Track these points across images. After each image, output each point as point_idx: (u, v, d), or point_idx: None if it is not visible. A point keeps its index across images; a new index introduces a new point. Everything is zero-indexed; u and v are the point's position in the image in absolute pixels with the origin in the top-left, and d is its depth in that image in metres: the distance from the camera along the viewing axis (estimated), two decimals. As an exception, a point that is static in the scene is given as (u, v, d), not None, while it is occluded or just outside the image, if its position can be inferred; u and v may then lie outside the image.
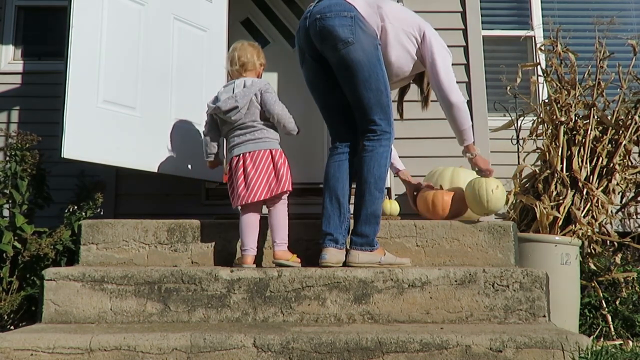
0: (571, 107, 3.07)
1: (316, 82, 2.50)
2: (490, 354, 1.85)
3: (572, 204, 2.89)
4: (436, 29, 2.50)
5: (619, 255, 3.11)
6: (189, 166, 3.06)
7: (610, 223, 3.08)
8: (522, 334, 1.89)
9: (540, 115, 3.10)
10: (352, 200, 2.39)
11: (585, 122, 3.03)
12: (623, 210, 3.24)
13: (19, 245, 2.59)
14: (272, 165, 2.37)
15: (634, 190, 3.18)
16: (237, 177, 2.38)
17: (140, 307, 2.16)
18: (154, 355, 1.85)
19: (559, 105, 3.06)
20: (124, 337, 1.88)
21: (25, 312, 2.61)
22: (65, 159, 2.56)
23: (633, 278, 3.04)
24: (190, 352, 1.86)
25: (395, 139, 2.43)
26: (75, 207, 2.83)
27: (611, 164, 3.00)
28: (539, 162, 3.12)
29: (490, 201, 2.45)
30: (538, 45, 3.60)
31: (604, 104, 3.15)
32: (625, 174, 3.05)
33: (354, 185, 2.43)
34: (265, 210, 2.44)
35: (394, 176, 3.27)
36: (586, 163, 2.97)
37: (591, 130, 2.99)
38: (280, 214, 2.38)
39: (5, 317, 2.55)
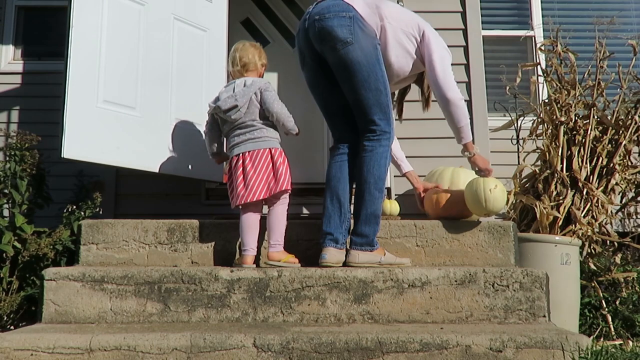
0: (571, 107, 3.07)
1: (316, 83, 2.50)
2: (490, 354, 1.85)
3: (572, 204, 2.89)
4: (436, 29, 2.50)
5: (619, 255, 3.11)
6: (189, 166, 3.06)
7: (610, 223, 3.07)
8: (522, 334, 1.89)
9: (540, 115, 3.10)
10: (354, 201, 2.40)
11: (585, 122, 3.03)
12: (623, 210, 3.23)
13: (18, 245, 2.59)
14: (271, 164, 2.37)
15: (634, 190, 3.18)
16: (236, 177, 2.38)
17: (140, 307, 2.16)
18: (154, 355, 1.85)
19: (559, 105, 3.06)
20: (124, 337, 1.88)
21: (25, 312, 2.61)
22: (65, 159, 2.56)
23: (633, 278, 3.04)
24: (190, 352, 1.86)
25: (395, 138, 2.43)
26: (74, 207, 2.82)
27: (611, 164, 3.00)
28: (539, 162, 3.12)
29: (489, 201, 2.42)
30: (538, 45, 3.60)
31: (604, 104, 3.15)
32: (625, 174, 3.05)
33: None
34: (266, 209, 2.44)
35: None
36: (586, 163, 2.97)
37: (591, 130, 2.99)
38: (278, 215, 2.38)
39: (5, 317, 2.55)
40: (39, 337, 1.88)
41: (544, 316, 2.16)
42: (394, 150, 2.75)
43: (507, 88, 3.31)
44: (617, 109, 3.11)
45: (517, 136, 3.36)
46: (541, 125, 3.13)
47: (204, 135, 3.12)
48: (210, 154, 2.60)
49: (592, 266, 2.97)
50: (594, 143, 3.03)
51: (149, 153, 2.91)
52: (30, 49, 3.93)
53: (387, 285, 2.17)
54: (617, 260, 3.08)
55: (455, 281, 2.18)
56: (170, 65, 3.06)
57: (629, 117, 3.06)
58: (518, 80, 3.25)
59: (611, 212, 3.01)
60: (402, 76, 2.52)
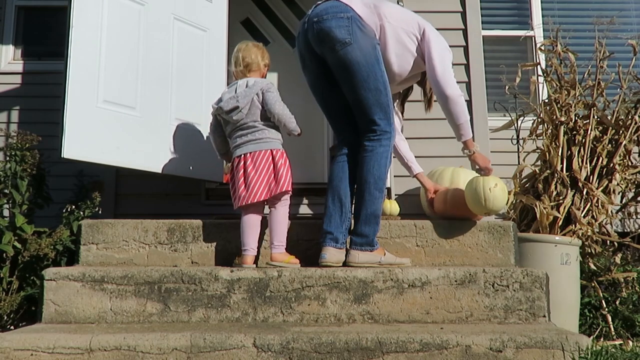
0: (571, 107, 3.07)
1: (318, 85, 2.51)
2: (490, 354, 1.85)
3: (572, 204, 2.89)
4: (436, 29, 2.50)
5: (619, 255, 3.11)
6: (189, 166, 3.06)
7: (610, 223, 3.08)
8: (522, 334, 1.89)
9: (540, 115, 3.10)
10: (355, 201, 2.40)
11: (585, 122, 3.03)
12: (623, 210, 3.24)
13: (19, 245, 2.59)
14: (272, 165, 2.37)
15: (634, 190, 3.18)
16: (237, 178, 2.39)
17: (140, 307, 2.16)
18: (154, 355, 1.85)
19: (559, 105, 3.06)
20: (124, 337, 1.88)
21: (25, 312, 2.61)
22: (65, 159, 2.56)
23: (633, 278, 3.04)
24: (190, 352, 1.86)
25: (395, 138, 2.42)
26: (74, 207, 2.82)
27: (611, 164, 3.00)
28: (539, 162, 3.12)
29: (489, 200, 2.39)
30: (538, 45, 3.60)
31: (604, 104, 3.15)
32: (625, 174, 3.05)
33: None
34: (267, 210, 2.44)
35: (398, 176, 3.29)
36: (586, 163, 2.97)
37: (591, 130, 2.99)
38: (280, 216, 2.38)
39: (5, 317, 2.55)
40: (39, 337, 1.88)
41: (544, 316, 2.16)
42: (403, 152, 2.74)
43: (507, 88, 3.31)
44: (617, 109, 3.11)
45: (517, 136, 3.36)
46: (541, 125, 3.13)
47: (204, 135, 3.14)
48: (218, 155, 2.62)
49: (592, 266, 2.97)
50: (594, 143, 3.03)
51: (148, 153, 2.91)
52: (30, 49, 3.93)
53: (387, 285, 2.17)
54: (617, 260, 3.08)
55: (455, 281, 2.18)
56: (170, 65, 3.06)
57: (629, 117, 3.06)
58: (518, 80, 3.25)
59: (611, 212, 3.01)
60: (404, 75, 2.52)
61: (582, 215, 2.86)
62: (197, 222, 2.51)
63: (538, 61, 3.56)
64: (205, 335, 1.88)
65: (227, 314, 2.16)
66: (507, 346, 1.85)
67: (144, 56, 2.94)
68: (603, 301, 2.93)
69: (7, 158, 2.69)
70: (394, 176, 3.28)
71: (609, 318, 2.87)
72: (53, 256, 2.64)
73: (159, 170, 2.95)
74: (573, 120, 3.04)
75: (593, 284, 2.96)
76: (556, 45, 3.19)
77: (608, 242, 3.06)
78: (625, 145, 3.02)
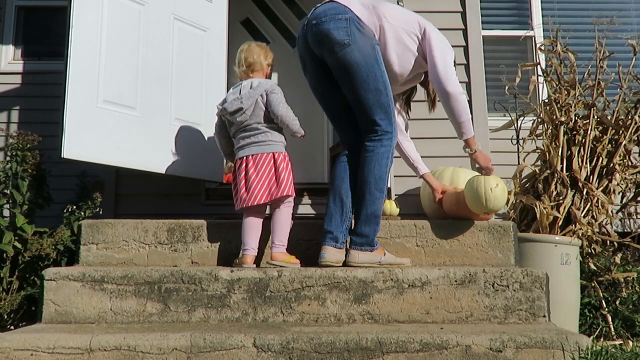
0: (571, 107, 3.06)
1: (319, 86, 2.51)
2: (490, 354, 1.85)
3: (572, 204, 2.89)
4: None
5: (619, 255, 3.11)
6: (189, 166, 3.06)
7: (610, 223, 3.07)
8: (522, 334, 1.89)
9: (540, 115, 3.10)
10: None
11: (585, 122, 3.03)
12: (623, 210, 3.24)
13: (19, 245, 2.59)
14: (273, 169, 2.37)
15: (634, 190, 3.17)
16: (239, 180, 2.39)
17: (140, 307, 2.16)
18: (154, 355, 1.85)
19: (558, 105, 3.06)
20: (124, 337, 1.88)
21: (25, 312, 2.61)
22: (65, 159, 2.56)
23: (633, 278, 3.04)
24: (190, 352, 1.86)
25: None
26: (75, 207, 2.83)
27: (611, 164, 3.00)
28: (539, 162, 3.12)
29: (489, 200, 2.40)
30: (538, 45, 3.60)
31: (604, 104, 3.14)
32: (625, 174, 3.05)
33: None
34: (269, 210, 2.44)
35: (398, 176, 3.29)
36: (586, 163, 2.97)
37: (591, 130, 2.99)
38: (283, 216, 2.38)
39: (5, 317, 2.55)
40: (39, 337, 1.88)
41: (544, 316, 2.16)
42: (409, 153, 2.74)
43: (507, 88, 3.31)
44: (617, 109, 3.11)
45: (517, 136, 3.36)
46: (541, 125, 3.13)
47: (204, 135, 3.14)
48: (223, 155, 2.62)
49: (592, 266, 2.97)
50: (594, 143, 3.02)
51: (148, 153, 2.91)
52: (30, 49, 3.93)
53: (387, 285, 2.17)
54: (617, 260, 3.08)
55: (455, 281, 2.18)
56: (170, 65, 3.07)
57: (629, 117, 3.06)
58: (518, 80, 3.25)
59: (611, 212, 3.00)
60: (405, 75, 2.51)
61: (582, 215, 2.86)
62: (197, 222, 2.51)
63: (538, 61, 3.56)
64: (205, 335, 1.88)
65: (227, 314, 2.16)
66: (507, 346, 1.85)
67: (144, 56, 2.94)
68: (603, 301, 2.93)
69: (8, 158, 2.69)
70: (394, 176, 3.28)
71: (609, 318, 2.87)
72: (54, 256, 2.64)
73: (159, 170, 2.95)
74: (573, 120, 3.04)
75: (593, 284, 2.96)
76: (556, 45, 3.19)
77: (608, 242, 3.06)
78: (625, 145, 3.02)
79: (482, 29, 3.62)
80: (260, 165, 2.36)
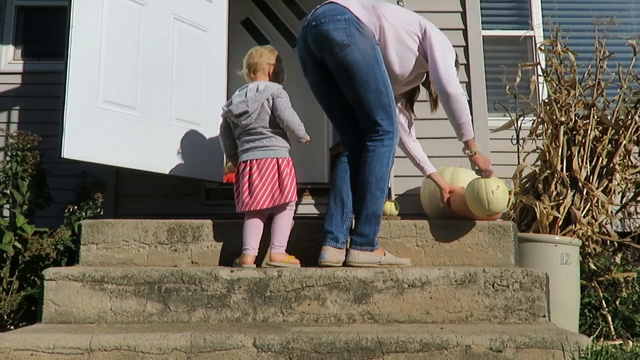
0: (571, 107, 3.06)
1: (319, 88, 2.51)
2: (490, 354, 1.85)
3: (572, 204, 2.89)
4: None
5: (619, 255, 3.11)
6: (189, 166, 3.06)
7: (610, 223, 3.07)
8: (522, 334, 1.89)
9: (540, 115, 3.10)
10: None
11: (585, 122, 3.03)
12: (623, 210, 3.24)
13: (19, 245, 2.59)
14: (277, 175, 2.37)
15: (634, 190, 3.17)
16: (242, 183, 2.39)
17: (140, 307, 2.16)
18: (154, 355, 1.85)
19: (559, 105, 3.06)
20: (124, 337, 1.88)
21: (25, 312, 2.61)
22: (65, 159, 2.56)
23: (633, 278, 3.04)
24: (190, 352, 1.86)
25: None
26: (75, 207, 2.83)
27: (611, 164, 3.00)
28: (539, 162, 3.12)
29: (491, 203, 2.40)
30: (538, 45, 3.60)
31: (604, 104, 3.14)
32: (625, 174, 3.05)
33: None
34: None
35: (398, 176, 3.29)
36: (586, 163, 2.97)
37: (591, 130, 2.99)
38: (284, 219, 2.39)
39: (5, 317, 2.55)
40: (39, 337, 1.88)
41: (544, 316, 2.16)
42: (415, 153, 2.73)
43: (507, 88, 3.31)
44: (617, 109, 3.11)
45: (517, 136, 3.36)
46: (541, 125, 3.13)
47: (204, 135, 3.14)
48: (226, 157, 2.61)
49: (592, 266, 2.97)
50: (594, 143, 3.02)
51: (149, 153, 2.91)
52: (30, 49, 3.93)
53: (387, 285, 2.17)
54: (617, 260, 3.08)
55: (455, 281, 2.18)
56: (170, 65, 3.07)
57: (629, 117, 3.06)
58: (518, 80, 3.25)
59: (611, 212, 3.00)
60: (406, 75, 2.50)
61: (582, 215, 2.86)
62: (197, 222, 2.51)
63: (538, 61, 3.56)
64: (205, 335, 1.88)
65: (227, 314, 2.16)
66: (507, 346, 1.85)
67: (144, 56, 2.94)
68: (603, 301, 2.93)
69: (8, 158, 2.69)
70: (394, 176, 3.28)
71: (609, 318, 2.87)
72: (54, 256, 2.64)
73: (159, 170, 2.95)
74: (573, 120, 3.04)
75: (593, 284, 2.96)
76: (556, 45, 3.19)
77: (608, 242, 3.06)
78: (625, 145, 3.01)
79: (482, 29, 3.62)
80: (264, 170, 2.36)
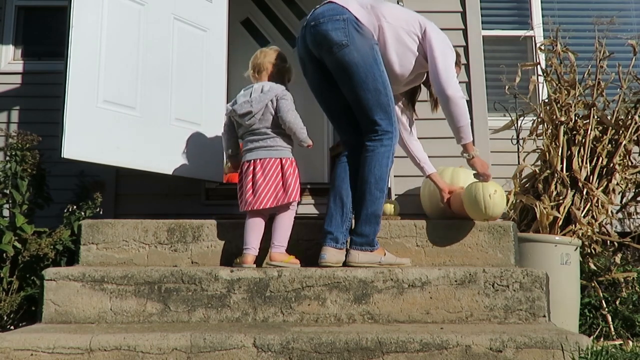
0: (571, 107, 3.06)
1: (319, 88, 2.51)
2: (490, 354, 1.85)
3: (572, 204, 2.89)
4: (437, 29, 2.50)
5: (619, 255, 3.11)
6: (189, 166, 3.06)
7: (610, 223, 3.07)
8: (522, 334, 1.89)
9: (540, 115, 3.10)
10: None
11: (585, 122, 3.03)
12: (623, 210, 3.23)
13: (19, 245, 2.59)
14: (280, 174, 2.38)
15: (634, 190, 3.17)
16: (246, 183, 2.39)
17: (140, 307, 2.16)
18: (154, 355, 1.85)
19: (558, 105, 3.06)
20: (124, 337, 1.88)
21: (25, 312, 2.61)
22: (65, 159, 2.56)
23: (633, 278, 3.04)
24: (190, 352, 1.86)
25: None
26: (75, 207, 2.82)
27: (611, 164, 3.00)
28: (539, 162, 3.12)
29: (489, 207, 2.39)
30: (538, 45, 3.60)
31: (604, 104, 3.14)
32: (625, 174, 3.05)
33: None
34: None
35: (398, 176, 3.28)
36: (586, 163, 2.97)
37: (591, 130, 2.99)
38: (285, 219, 2.39)
39: (5, 317, 2.55)
40: (39, 337, 1.88)
41: (544, 316, 2.16)
42: (415, 152, 2.73)
43: (507, 88, 3.30)
44: (617, 108, 3.11)
45: (517, 136, 3.36)
46: (541, 125, 3.12)
47: (204, 135, 3.14)
48: (226, 157, 2.62)
49: (592, 266, 2.97)
50: (594, 143, 3.02)
51: (149, 153, 2.91)
52: (30, 49, 3.93)
53: (387, 285, 2.17)
54: (617, 260, 3.08)
55: (455, 281, 2.18)
56: (170, 65, 3.07)
57: (629, 117, 3.06)
58: (518, 80, 3.25)
59: (611, 212, 3.00)
60: (407, 74, 2.50)
61: (582, 215, 2.86)
62: (197, 222, 2.51)
63: (538, 61, 3.56)
64: (205, 335, 1.88)
65: (227, 314, 2.16)
66: (507, 346, 1.85)
67: (144, 56, 2.94)
68: (603, 301, 2.93)
69: (8, 158, 2.69)
70: (394, 176, 3.28)
71: (609, 318, 2.86)
72: (53, 256, 2.64)
73: (159, 170, 2.95)
74: (573, 120, 3.04)
75: (593, 284, 2.96)
76: (556, 45, 3.19)
77: (608, 242, 3.06)
78: (625, 145, 3.01)
79: (482, 29, 3.62)
80: (268, 170, 2.37)
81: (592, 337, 2.47)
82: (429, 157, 2.77)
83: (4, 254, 2.57)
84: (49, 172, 2.86)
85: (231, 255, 2.45)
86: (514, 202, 2.96)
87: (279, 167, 2.38)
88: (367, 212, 2.32)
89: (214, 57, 3.30)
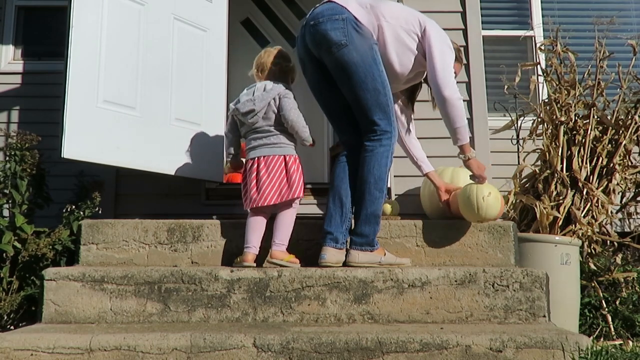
0: (571, 107, 3.06)
1: (318, 88, 2.51)
2: (490, 354, 1.85)
3: (572, 204, 2.89)
4: (437, 29, 2.49)
5: (619, 255, 3.11)
6: (189, 166, 3.06)
7: (610, 223, 3.07)
8: (522, 334, 1.89)
9: (540, 115, 3.10)
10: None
11: (585, 122, 3.03)
12: (623, 210, 3.24)
13: (19, 245, 2.59)
14: (284, 171, 2.39)
15: (634, 190, 3.17)
16: (250, 180, 2.40)
17: (140, 307, 2.16)
18: (154, 355, 1.85)
19: (558, 105, 3.06)
20: (124, 337, 1.88)
21: (25, 312, 2.61)
22: (65, 159, 2.56)
23: (633, 278, 3.04)
24: (190, 352, 1.86)
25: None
26: (74, 207, 2.82)
27: (611, 164, 3.00)
28: (539, 162, 3.12)
29: (482, 209, 2.38)
30: (538, 45, 3.60)
31: (604, 104, 3.14)
32: (625, 174, 3.05)
33: None
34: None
35: (398, 176, 3.28)
36: (586, 163, 2.97)
37: (591, 130, 2.99)
38: (287, 218, 2.39)
39: (5, 317, 2.55)
40: (39, 337, 1.88)
41: (544, 316, 2.16)
42: (413, 151, 2.73)
43: (507, 88, 3.30)
44: (617, 109, 3.11)
45: (517, 136, 3.36)
46: (541, 125, 3.12)
47: (204, 135, 3.14)
48: (229, 156, 2.62)
49: (592, 266, 2.97)
50: (594, 143, 3.02)
51: (149, 153, 2.91)
52: (30, 49, 3.93)
53: (387, 285, 2.17)
54: (617, 260, 3.08)
55: (455, 281, 2.18)
56: (170, 65, 3.06)
57: (629, 117, 3.06)
58: (518, 80, 3.24)
59: (611, 212, 3.00)
60: (406, 73, 2.49)
61: (582, 215, 2.86)
62: (197, 222, 2.51)
63: (538, 61, 3.56)
64: (205, 335, 1.88)
65: (227, 314, 2.16)
66: (507, 346, 1.85)
67: (144, 56, 2.94)
68: (603, 301, 2.93)
69: (7, 158, 2.69)
70: (394, 176, 3.28)
71: (609, 318, 2.86)
72: (52, 256, 2.64)
73: (159, 170, 2.95)
74: (573, 120, 3.04)
75: (593, 284, 2.96)
76: (556, 45, 3.19)
77: (608, 242, 3.06)
78: (625, 145, 3.01)
79: (482, 29, 3.62)
80: (272, 167, 2.38)
81: (592, 337, 2.47)
82: (428, 157, 2.76)
83: (4, 254, 2.57)
84: (49, 172, 2.86)
85: (231, 255, 2.45)
86: (514, 202, 2.96)
87: (283, 164, 2.39)
88: (367, 212, 2.32)
89: (214, 57, 3.30)
